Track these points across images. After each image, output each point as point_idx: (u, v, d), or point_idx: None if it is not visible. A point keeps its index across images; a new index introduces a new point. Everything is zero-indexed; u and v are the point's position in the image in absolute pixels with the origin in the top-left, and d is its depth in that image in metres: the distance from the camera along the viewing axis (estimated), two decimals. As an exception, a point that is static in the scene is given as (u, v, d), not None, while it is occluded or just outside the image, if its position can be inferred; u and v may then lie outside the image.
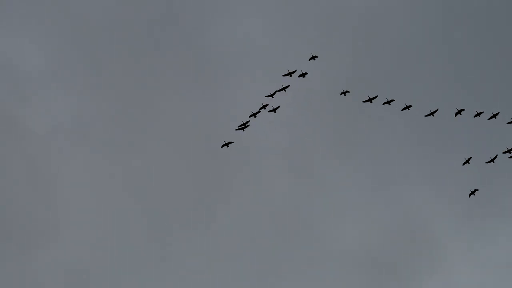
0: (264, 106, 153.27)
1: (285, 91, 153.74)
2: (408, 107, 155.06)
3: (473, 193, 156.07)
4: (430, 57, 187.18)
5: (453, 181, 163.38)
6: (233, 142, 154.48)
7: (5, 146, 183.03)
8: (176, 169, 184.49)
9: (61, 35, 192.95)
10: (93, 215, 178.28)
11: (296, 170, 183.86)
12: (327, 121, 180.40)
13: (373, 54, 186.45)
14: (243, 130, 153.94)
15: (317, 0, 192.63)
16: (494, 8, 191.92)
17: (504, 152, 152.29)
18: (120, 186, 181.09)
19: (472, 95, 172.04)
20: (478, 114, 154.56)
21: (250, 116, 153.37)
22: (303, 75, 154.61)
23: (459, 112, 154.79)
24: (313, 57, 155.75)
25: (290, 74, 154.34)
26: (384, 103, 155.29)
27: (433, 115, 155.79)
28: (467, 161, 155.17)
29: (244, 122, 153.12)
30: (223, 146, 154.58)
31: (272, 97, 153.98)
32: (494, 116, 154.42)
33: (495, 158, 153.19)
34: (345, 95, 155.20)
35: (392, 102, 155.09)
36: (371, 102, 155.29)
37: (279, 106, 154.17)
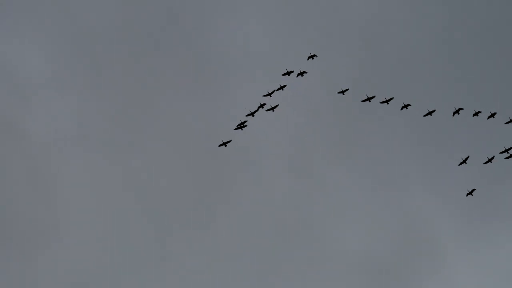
0: (262, 105, 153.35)
1: (282, 90, 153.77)
2: (406, 106, 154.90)
3: (470, 193, 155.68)
4: (429, 57, 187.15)
5: (453, 182, 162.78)
6: (231, 141, 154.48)
7: (5, 148, 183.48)
8: (176, 170, 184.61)
9: (62, 37, 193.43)
10: (94, 217, 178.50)
11: (297, 170, 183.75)
12: (327, 121, 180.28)
13: (372, 55, 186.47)
14: (242, 129, 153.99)
15: (316, 1, 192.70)
16: (493, 8, 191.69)
17: (501, 152, 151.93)
18: (120, 188, 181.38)
19: (472, 95, 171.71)
20: (477, 114, 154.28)
21: (248, 115, 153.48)
22: (301, 74, 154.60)
23: (457, 111, 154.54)
24: (312, 56, 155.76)
25: (288, 73, 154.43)
26: (381, 102, 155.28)
27: (431, 115, 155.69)
28: (464, 161, 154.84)
29: (242, 121, 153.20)
30: (220, 145, 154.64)
31: (270, 96, 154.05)
32: (492, 115, 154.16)
33: (492, 158, 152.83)
34: (343, 94, 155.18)
35: (390, 101, 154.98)
36: (370, 101, 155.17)
37: (277, 105, 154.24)
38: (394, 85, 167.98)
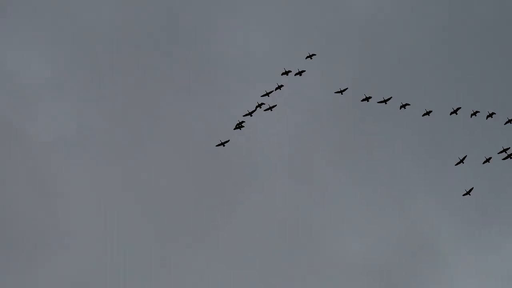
0: (259, 105, 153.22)
1: (280, 89, 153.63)
2: (404, 105, 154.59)
3: (468, 193, 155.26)
4: (429, 57, 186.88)
5: (454, 183, 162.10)
6: (229, 141, 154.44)
7: (8, 155, 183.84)
8: (177, 171, 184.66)
9: (64, 44, 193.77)
10: (94, 218, 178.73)
11: (297, 171, 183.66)
12: (327, 121, 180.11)
13: (372, 55, 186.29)
14: (240, 129, 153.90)
15: (316, 1, 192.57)
16: (493, 8, 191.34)
17: (499, 152, 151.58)
18: (123, 194, 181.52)
19: (471, 95, 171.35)
20: (475, 114, 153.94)
21: (245, 116, 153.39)
22: (300, 73, 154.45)
23: (455, 111, 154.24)
24: (310, 56, 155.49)
25: (287, 73, 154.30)
26: (379, 102, 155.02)
27: (429, 115, 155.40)
28: (461, 161, 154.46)
29: (240, 121, 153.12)
30: (218, 145, 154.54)
31: (268, 96, 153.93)
32: (491, 115, 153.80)
33: (489, 159, 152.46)
34: (341, 93, 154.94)
35: (389, 101, 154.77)
36: (368, 101, 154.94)
37: (275, 105, 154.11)
38: (394, 85, 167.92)
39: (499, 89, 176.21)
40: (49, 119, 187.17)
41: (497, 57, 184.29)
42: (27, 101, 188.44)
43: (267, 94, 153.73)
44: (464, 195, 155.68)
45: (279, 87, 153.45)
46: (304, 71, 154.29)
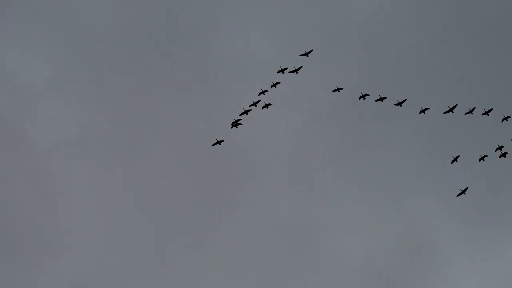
0: (255, 103, 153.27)
1: (275, 87, 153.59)
2: (401, 103, 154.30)
3: (463, 192, 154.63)
4: (429, 57, 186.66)
5: (454, 183, 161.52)
6: (223, 141, 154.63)
7: (8, 156, 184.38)
8: (180, 177, 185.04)
9: (64, 45, 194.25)
10: (95, 220, 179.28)
11: (296, 170, 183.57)
12: (327, 121, 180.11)
13: (372, 55, 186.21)
14: (237, 127, 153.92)
15: (316, 1, 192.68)
16: (493, 8, 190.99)
17: (497, 149, 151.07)
18: (125, 198, 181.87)
19: (471, 95, 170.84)
20: (471, 111, 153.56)
21: (242, 114, 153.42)
22: (296, 70, 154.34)
23: (451, 109, 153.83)
24: (306, 54, 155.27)
25: (283, 70, 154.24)
26: (376, 100, 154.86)
27: (424, 113, 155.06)
28: (455, 159, 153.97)
29: (236, 119, 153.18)
30: (214, 144, 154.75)
31: (264, 94, 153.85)
32: (487, 113, 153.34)
33: (485, 156, 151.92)
34: (338, 92, 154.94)
35: (385, 99, 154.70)
36: (364, 98, 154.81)
37: (270, 104, 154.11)
38: (394, 85, 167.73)
39: (499, 89, 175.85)
40: (49, 120, 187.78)
41: (497, 57, 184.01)
42: (26, 101, 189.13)
43: (263, 92, 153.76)
44: (458, 195, 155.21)
45: (275, 84, 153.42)
46: (301, 67, 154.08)
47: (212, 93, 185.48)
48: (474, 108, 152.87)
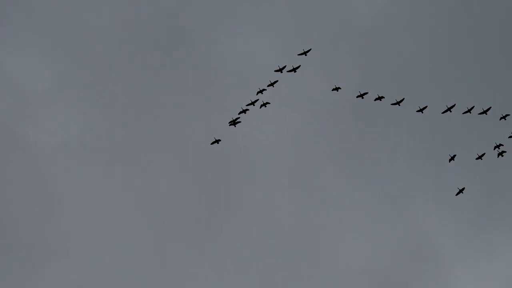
0: (253, 102, 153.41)
1: (273, 86, 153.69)
2: (398, 102, 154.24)
3: (461, 191, 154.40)
4: (429, 57, 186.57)
5: (453, 184, 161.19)
6: (220, 140, 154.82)
7: (11, 163, 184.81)
8: (180, 179, 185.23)
9: (66, 52, 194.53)
10: (98, 226, 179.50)
11: (296, 171, 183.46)
12: (327, 121, 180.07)
13: (372, 55, 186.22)
14: (235, 126, 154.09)
15: (316, 1, 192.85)
16: (493, 8, 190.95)
17: (495, 148, 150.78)
18: (127, 201, 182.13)
19: (471, 95, 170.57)
20: (469, 111, 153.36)
21: (240, 113, 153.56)
22: (294, 70, 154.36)
23: (449, 109, 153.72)
24: (305, 53, 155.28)
25: (281, 70, 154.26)
26: (375, 99, 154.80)
27: (422, 112, 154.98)
28: (452, 158, 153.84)
29: (234, 118, 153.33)
30: (213, 143, 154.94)
31: (262, 93, 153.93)
32: (485, 112, 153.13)
33: (483, 155, 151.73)
34: (337, 91, 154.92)
35: (383, 99, 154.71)
36: (362, 97, 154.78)
37: (268, 102, 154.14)
38: (394, 84, 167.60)
39: (497, 88, 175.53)
40: (50, 124, 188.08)
41: (497, 57, 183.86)
42: (28, 106, 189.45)
43: (261, 91, 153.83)
44: (457, 194, 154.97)
45: (272, 83, 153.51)
46: (299, 66, 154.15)
47: (212, 93, 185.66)
48: (473, 107, 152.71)
